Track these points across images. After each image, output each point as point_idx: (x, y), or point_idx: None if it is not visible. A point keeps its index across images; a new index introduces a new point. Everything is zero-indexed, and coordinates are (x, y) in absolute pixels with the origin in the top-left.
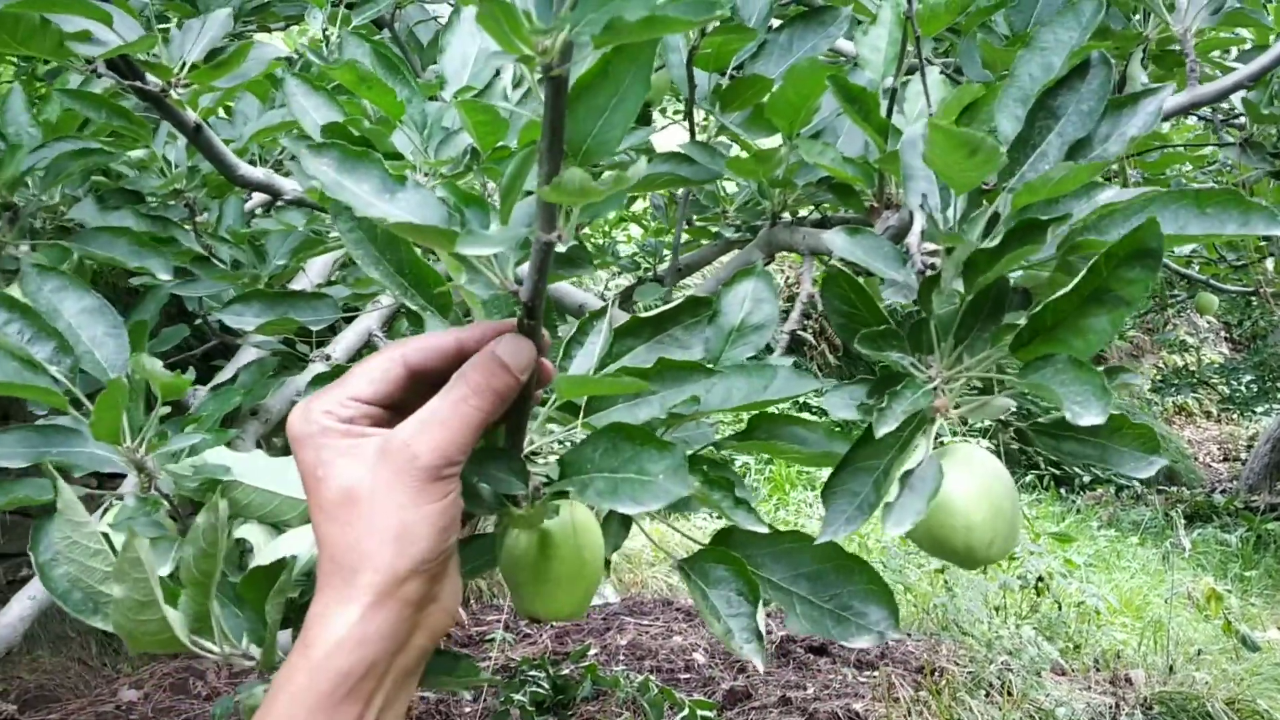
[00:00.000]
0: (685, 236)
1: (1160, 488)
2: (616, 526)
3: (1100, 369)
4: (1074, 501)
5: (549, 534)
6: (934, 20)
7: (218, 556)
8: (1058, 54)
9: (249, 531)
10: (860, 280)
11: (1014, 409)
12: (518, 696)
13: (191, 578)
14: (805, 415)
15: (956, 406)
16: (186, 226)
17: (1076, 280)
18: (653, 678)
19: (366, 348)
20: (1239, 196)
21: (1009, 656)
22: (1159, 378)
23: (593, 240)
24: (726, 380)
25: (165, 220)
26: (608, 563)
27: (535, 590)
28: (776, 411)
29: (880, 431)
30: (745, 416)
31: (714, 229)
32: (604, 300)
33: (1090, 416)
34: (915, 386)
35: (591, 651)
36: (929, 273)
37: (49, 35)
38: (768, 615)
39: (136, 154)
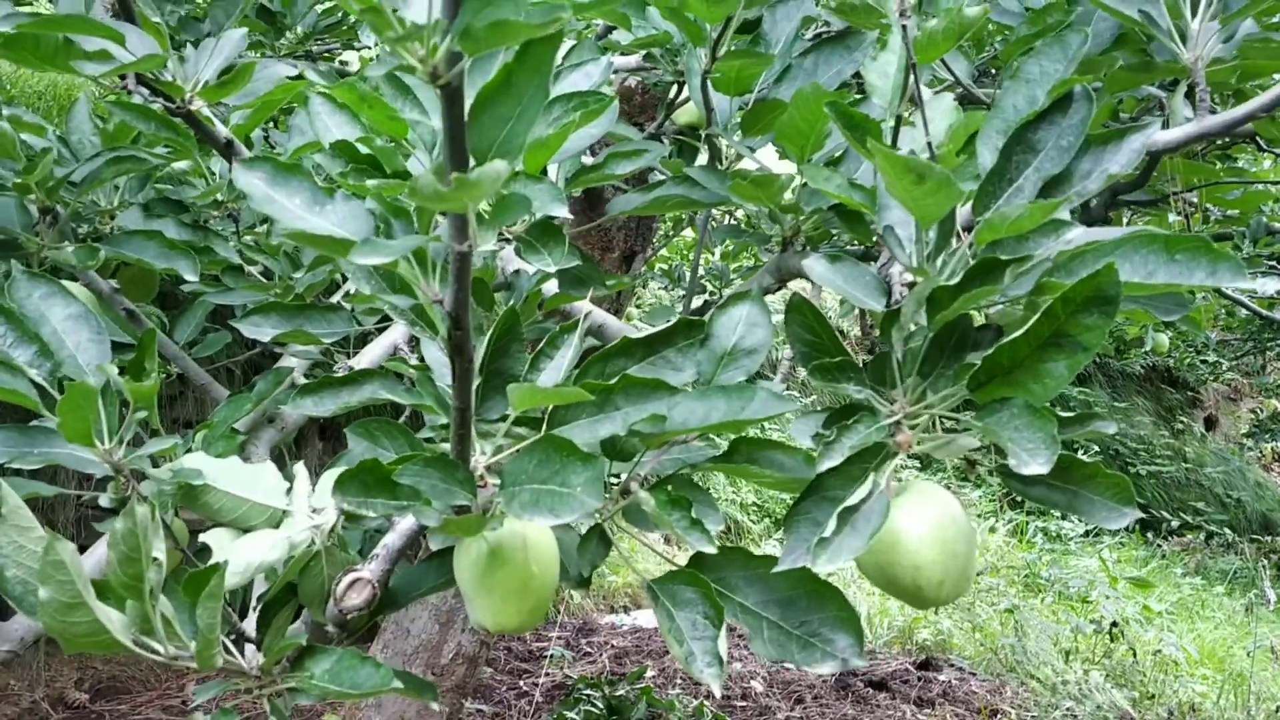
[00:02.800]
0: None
1: (1254, 536)
2: (595, 543)
3: (1059, 416)
4: (1159, 547)
5: (499, 546)
6: (932, 47)
7: (142, 560)
8: (1042, 86)
9: (215, 536)
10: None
11: (978, 446)
12: (571, 715)
13: (120, 581)
14: (787, 441)
15: (920, 443)
16: (228, 236)
17: (1030, 323)
18: (708, 703)
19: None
20: (1209, 245)
21: (1074, 703)
22: (1256, 423)
23: (671, 263)
24: (707, 400)
25: (205, 230)
26: (588, 580)
27: (483, 601)
28: (758, 435)
29: (823, 465)
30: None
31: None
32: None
33: (1035, 466)
34: (871, 420)
35: (649, 673)
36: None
37: (73, 54)
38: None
39: (180, 165)
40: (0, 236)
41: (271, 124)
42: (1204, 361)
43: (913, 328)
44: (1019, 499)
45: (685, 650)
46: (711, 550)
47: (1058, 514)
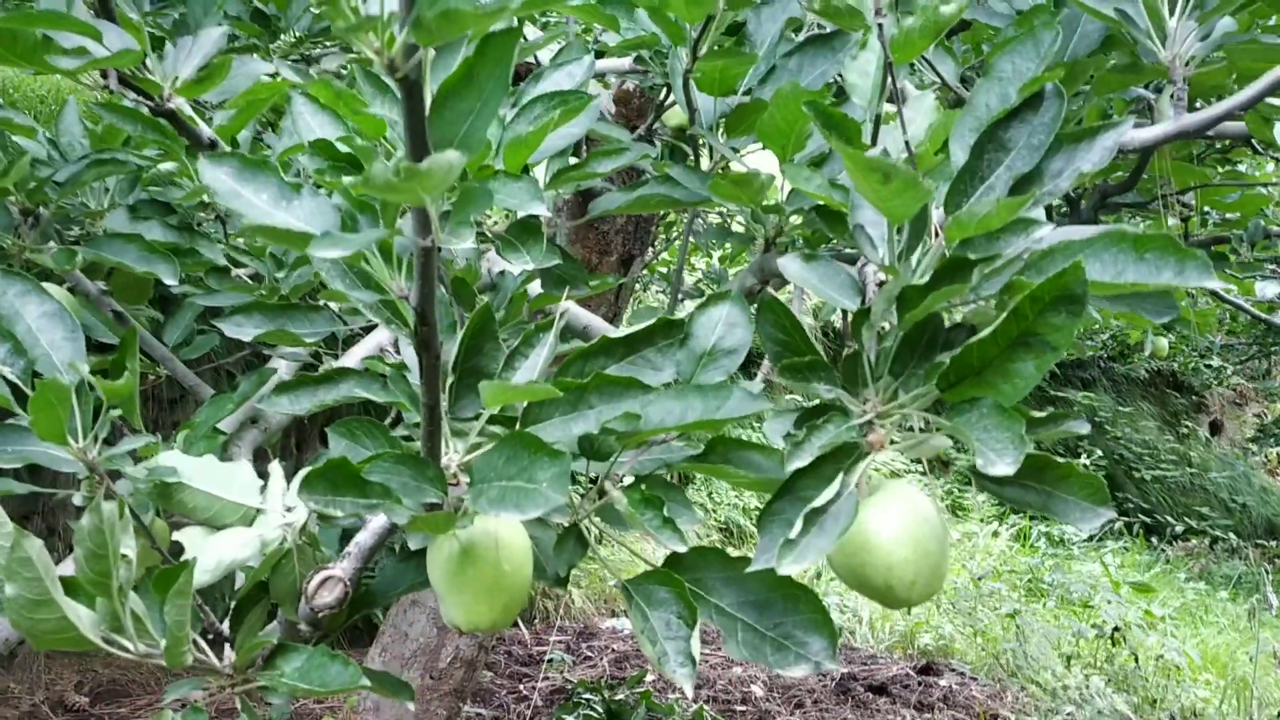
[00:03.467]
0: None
1: (1258, 541)
2: (572, 543)
3: (1027, 416)
4: (1163, 551)
5: (471, 544)
6: (909, 46)
7: (110, 557)
8: (1014, 84)
9: (188, 534)
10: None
11: (950, 446)
12: (569, 719)
13: (88, 578)
14: (762, 441)
15: (893, 443)
16: (216, 239)
17: (998, 323)
18: (708, 708)
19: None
20: (1176, 245)
21: (1075, 708)
22: (1261, 427)
23: (670, 267)
24: (684, 399)
25: (192, 231)
26: (565, 579)
27: (455, 599)
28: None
29: (791, 466)
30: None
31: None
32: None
33: (1002, 466)
34: (841, 420)
35: (649, 678)
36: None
37: (51, 50)
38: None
39: (166, 166)
40: None
41: (270, 129)
42: (1208, 366)
43: (885, 327)
44: None
45: (658, 650)
46: (682, 548)
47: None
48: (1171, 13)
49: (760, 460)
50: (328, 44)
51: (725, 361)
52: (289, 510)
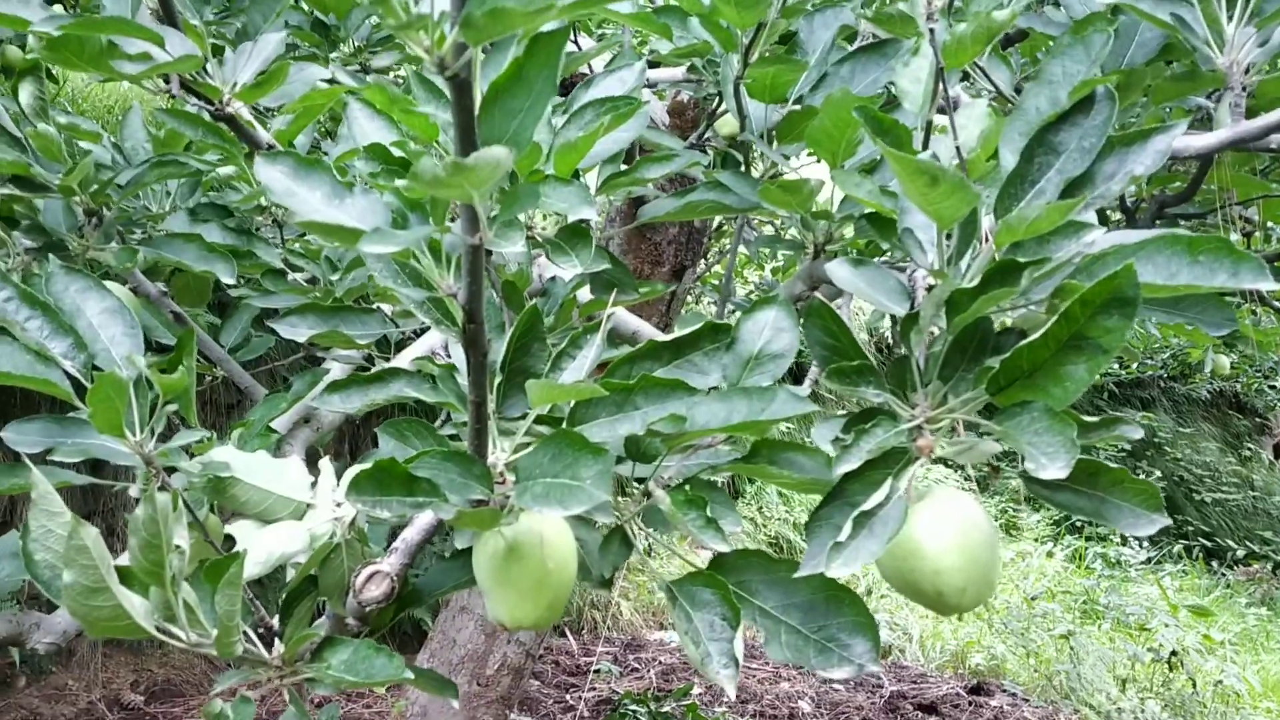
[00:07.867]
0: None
1: None
2: (617, 545)
3: (1078, 420)
4: (1224, 576)
5: (516, 542)
6: (961, 52)
7: (163, 546)
8: (1065, 87)
9: (239, 527)
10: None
11: (1000, 451)
12: None
13: (141, 567)
14: (808, 443)
15: (942, 448)
16: (273, 242)
17: (1049, 326)
18: None
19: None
20: (1231, 247)
21: None
22: None
23: (723, 279)
24: (728, 402)
25: (250, 234)
26: (610, 581)
27: (500, 596)
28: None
29: (839, 469)
30: None
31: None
32: None
33: (1054, 470)
34: (890, 425)
35: (695, 690)
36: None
37: (115, 55)
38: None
39: (225, 171)
40: (46, 238)
41: (329, 138)
42: (1272, 387)
43: (935, 331)
44: (1080, 524)
45: (701, 651)
46: (725, 549)
47: (1118, 540)
48: (1230, 19)
49: (804, 461)
50: (382, 52)
51: (771, 366)
52: (338, 506)
